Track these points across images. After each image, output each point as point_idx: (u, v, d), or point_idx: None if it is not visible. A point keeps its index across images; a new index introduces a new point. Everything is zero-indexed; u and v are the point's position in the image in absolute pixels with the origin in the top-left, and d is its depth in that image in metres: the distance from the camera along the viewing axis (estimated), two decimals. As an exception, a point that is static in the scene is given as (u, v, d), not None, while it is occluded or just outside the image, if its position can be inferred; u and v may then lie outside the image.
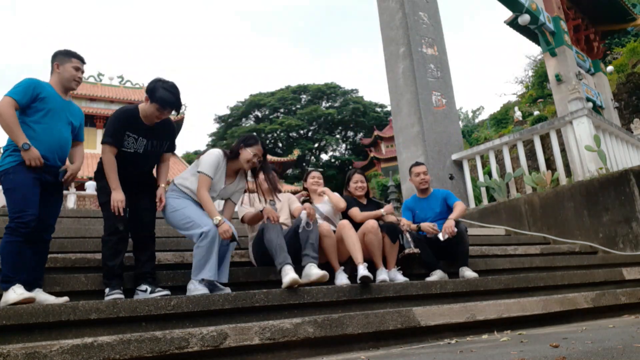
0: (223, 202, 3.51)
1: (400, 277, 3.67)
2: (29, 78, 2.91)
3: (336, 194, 4.09)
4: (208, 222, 3.05)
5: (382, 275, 3.55)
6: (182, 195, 3.24)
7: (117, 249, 2.95)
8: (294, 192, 4.75)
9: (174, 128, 3.30)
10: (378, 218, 3.91)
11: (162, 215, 3.26)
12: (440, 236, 3.93)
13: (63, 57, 3.04)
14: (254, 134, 3.41)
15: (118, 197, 2.96)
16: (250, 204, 3.75)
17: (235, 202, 3.51)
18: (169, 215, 3.20)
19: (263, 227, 3.35)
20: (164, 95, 2.96)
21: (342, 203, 3.97)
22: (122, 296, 2.83)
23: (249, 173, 3.47)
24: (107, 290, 2.88)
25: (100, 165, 3.07)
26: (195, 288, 2.97)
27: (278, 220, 3.37)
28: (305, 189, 4.33)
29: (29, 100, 2.83)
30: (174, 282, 3.18)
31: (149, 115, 3.03)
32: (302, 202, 4.06)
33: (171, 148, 3.31)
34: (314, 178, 4.27)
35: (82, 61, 3.10)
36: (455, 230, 3.90)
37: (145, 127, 3.07)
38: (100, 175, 3.08)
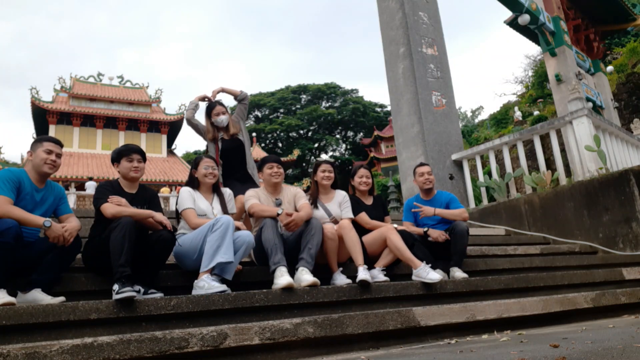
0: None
1: (381, 277, 3.57)
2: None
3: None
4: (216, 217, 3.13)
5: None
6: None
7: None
8: None
9: (157, 197, 3.39)
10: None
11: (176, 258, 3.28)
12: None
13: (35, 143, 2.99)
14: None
15: (148, 213, 2.96)
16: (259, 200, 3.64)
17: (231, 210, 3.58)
18: (178, 249, 3.19)
19: (263, 224, 3.35)
20: (121, 148, 3.26)
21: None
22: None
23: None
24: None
25: (102, 222, 2.99)
26: (210, 285, 2.86)
27: (296, 227, 3.36)
28: (315, 182, 3.91)
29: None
30: (174, 282, 3.19)
31: (125, 173, 3.19)
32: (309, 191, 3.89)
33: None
34: (325, 172, 3.88)
35: (55, 142, 3.02)
36: (444, 237, 3.95)
37: (128, 195, 3.14)
38: (102, 227, 2.96)
